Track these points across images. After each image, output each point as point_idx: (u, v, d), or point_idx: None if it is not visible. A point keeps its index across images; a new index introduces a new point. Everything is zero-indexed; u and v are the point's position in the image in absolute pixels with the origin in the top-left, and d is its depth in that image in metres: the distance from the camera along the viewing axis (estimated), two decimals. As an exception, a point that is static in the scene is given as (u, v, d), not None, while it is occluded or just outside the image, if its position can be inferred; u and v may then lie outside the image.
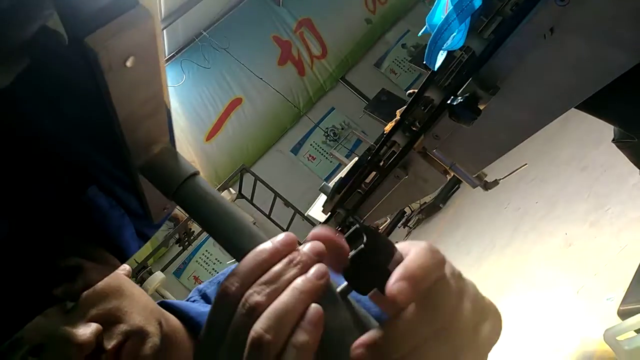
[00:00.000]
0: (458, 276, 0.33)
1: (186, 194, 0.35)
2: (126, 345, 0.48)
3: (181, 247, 5.90)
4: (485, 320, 0.33)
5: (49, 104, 0.36)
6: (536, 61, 1.10)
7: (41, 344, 0.44)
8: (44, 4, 0.28)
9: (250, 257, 0.32)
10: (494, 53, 1.11)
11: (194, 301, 0.67)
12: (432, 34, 1.13)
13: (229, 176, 6.10)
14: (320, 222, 1.86)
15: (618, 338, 1.42)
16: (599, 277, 2.22)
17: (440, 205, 5.65)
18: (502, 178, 1.42)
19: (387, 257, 0.32)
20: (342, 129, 7.57)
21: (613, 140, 1.64)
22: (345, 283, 0.33)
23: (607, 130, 1.69)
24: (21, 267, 0.41)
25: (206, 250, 6.58)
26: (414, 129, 1.41)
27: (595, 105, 1.42)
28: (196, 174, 0.35)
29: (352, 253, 0.32)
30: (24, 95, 0.34)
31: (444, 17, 1.09)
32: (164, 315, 0.57)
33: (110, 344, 0.47)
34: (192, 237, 5.86)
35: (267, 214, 5.93)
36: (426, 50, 1.17)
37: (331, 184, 1.98)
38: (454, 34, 1.12)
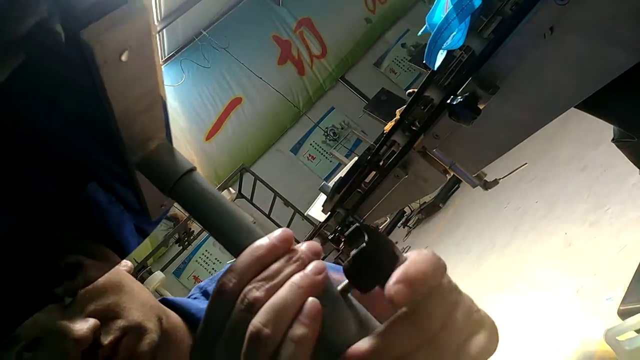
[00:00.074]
0: (454, 288, 0.33)
1: (183, 190, 0.34)
2: (123, 341, 0.48)
3: (181, 247, 5.90)
4: (478, 332, 0.33)
5: (45, 100, 0.36)
6: (536, 60, 1.10)
7: (38, 338, 0.44)
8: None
9: (247, 253, 0.32)
10: (493, 52, 1.11)
11: (195, 298, 0.67)
12: (432, 34, 1.13)
13: (229, 176, 6.10)
14: (320, 222, 1.86)
15: (618, 338, 1.42)
16: (599, 277, 2.22)
17: (440, 205, 5.65)
18: (502, 178, 1.41)
19: (387, 256, 0.32)
20: (342, 128, 7.57)
21: (613, 139, 1.63)
22: (346, 281, 0.33)
23: (607, 129, 1.69)
24: (21, 264, 0.41)
25: (206, 250, 6.58)
26: (413, 128, 1.40)
27: (595, 105, 1.42)
28: (193, 169, 0.35)
29: (353, 251, 0.32)
30: (20, 91, 0.34)
31: (443, 16, 1.09)
32: (165, 311, 0.57)
33: (107, 339, 0.47)
34: (191, 237, 5.86)
35: (267, 213, 5.94)
36: (426, 50, 1.17)
37: (331, 183, 1.98)
38: (454, 33, 1.12)
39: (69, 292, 0.45)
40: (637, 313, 1.41)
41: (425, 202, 5.70)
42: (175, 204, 0.39)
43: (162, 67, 6.47)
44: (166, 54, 6.68)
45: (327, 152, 7.37)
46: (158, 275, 5.30)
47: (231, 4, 7.12)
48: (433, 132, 1.30)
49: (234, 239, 0.34)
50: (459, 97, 1.14)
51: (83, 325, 0.44)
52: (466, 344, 0.32)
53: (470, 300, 0.34)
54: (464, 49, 1.31)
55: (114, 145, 0.34)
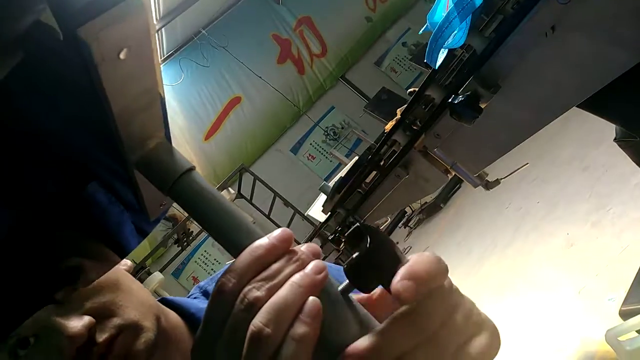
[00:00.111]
0: (455, 290, 0.33)
1: (182, 190, 0.34)
2: (118, 339, 0.48)
3: (180, 248, 5.90)
4: (478, 334, 0.33)
5: (44, 99, 0.36)
6: (537, 59, 1.10)
7: (33, 334, 0.44)
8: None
9: (247, 253, 0.32)
10: (495, 51, 1.11)
11: (195, 298, 0.67)
12: (433, 32, 1.12)
13: (228, 176, 6.09)
14: (320, 222, 1.86)
15: (620, 338, 1.42)
16: (601, 277, 2.22)
17: (441, 205, 5.65)
18: (504, 177, 1.41)
19: (388, 256, 0.32)
20: (342, 128, 7.57)
21: (615, 139, 1.63)
22: (347, 281, 0.33)
23: (609, 129, 1.69)
24: (22, 266, 0.41)
25: (205, 251, 6.58)
26: (414, 128, 1.40)
27: (596, 104, 1.41)
28: (192, 169, 0.35)
29: (355, 252, 0.32)
30: (18, 90, 0.34)
31: (444, 15, 1.09)
32: (163, 311, 0.57)
33: (102, 337, 0.47)
34: (190, 238, 5.86)
35: (267, 213, 5.93)
36: (427, 49, 1.17)
37: (331, 183, 1.98)
38: (455, 32, 1.11)
39: (69, 297, 0.45)
40: (639, 313, 1.41)
41: (426, 202, 5.70)
42: (175, 204, 0.38)
43: (161, 66, 6.47)
44: (165, 52, 6.68)
45: (327, 152, 7.36)
46: (157, 276, 5.29)
47: (230, 2, 7.12)
48: (434, 132, 1.30)
49: (233, 239, 0.33)
50: (460, 96, 1.14)
51: (78, 323, 0.44)
52: (466, 345, 0.32)
53: (471, 303, 0.34)
54: (465, 48, 1.31)
55: (113, 144, 0.34)
